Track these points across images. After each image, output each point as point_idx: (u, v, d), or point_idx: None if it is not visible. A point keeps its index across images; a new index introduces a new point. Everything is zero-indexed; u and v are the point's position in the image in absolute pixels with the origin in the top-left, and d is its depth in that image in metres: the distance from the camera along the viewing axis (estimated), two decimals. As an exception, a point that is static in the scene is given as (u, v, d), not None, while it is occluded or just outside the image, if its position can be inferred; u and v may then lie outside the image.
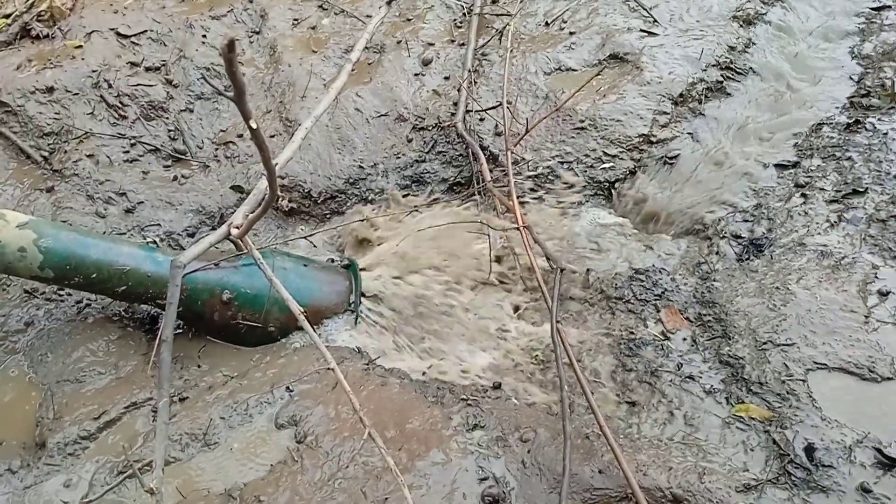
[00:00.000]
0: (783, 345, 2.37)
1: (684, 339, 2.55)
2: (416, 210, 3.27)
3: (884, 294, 2.45)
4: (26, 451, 2.36)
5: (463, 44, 3.74)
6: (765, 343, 2.40)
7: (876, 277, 2.51)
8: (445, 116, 3.45)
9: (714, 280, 2.70)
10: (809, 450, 2.07)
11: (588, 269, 2.90)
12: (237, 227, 2.33)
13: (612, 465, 2.08)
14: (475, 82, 3.55)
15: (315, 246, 3.24)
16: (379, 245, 3.16)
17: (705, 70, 3.47)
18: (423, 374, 2.64)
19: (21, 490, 2.21)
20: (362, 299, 2.81)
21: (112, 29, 3.64)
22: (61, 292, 2.80)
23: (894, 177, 2.84)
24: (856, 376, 2.25)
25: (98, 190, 3.17)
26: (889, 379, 2.22)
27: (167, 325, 2.07)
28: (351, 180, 3.36)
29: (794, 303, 2.48)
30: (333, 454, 2.16)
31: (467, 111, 3.43)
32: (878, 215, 2.71)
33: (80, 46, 3.54)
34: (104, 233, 3.01)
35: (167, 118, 3.45)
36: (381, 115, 3.49)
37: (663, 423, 2.29)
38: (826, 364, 2.29)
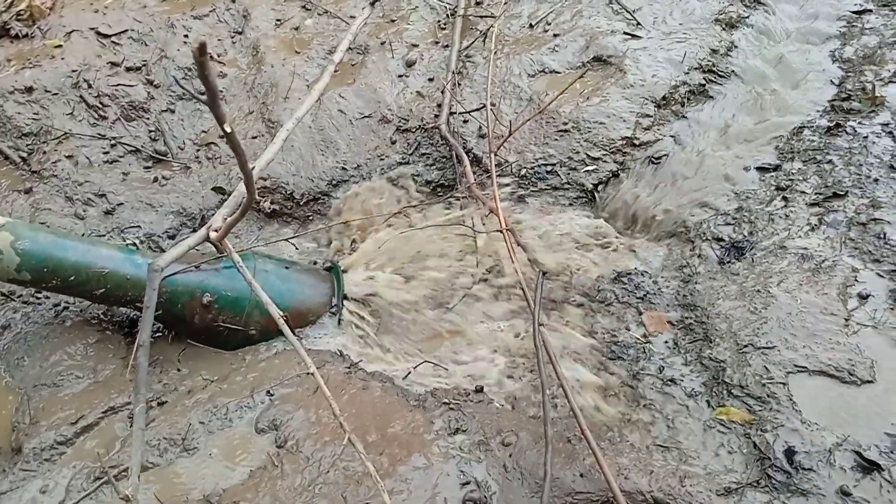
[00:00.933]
0: (764, 348, 2.38)
1: (666, 343, 2.55)
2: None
3: (864, 297, 2.46)
4: (2, 456, 2.32)
5: (447, 45, 3.73)
6: (746, 346, 2.40)
7: (856, 280, 2.52)
8: (429, 118, 3.44)
9: (696, 283, 2.71)
10: (789, 453, 2.08)
11: (571, 272, 2.90)
12: (216, 230, 2.30)
13: (594, 468, 2.08)
14: (459, 84, 3.55)
15: (297, 248, 3.21)
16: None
17: (688, 73, 3.48)
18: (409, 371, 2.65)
19: (-4, 496, 2.19)
20: (345, 301, 2.80)
21: (92, 28, 3.60)
22: (39, 295, 2.76)
23: (874, 180, 2.86)
24: (836, 379, 2.26)
25: (77, 191, 3.13)
26: (869, 382, 2.23)
27: (144, 330, 2.04)
28: (334, 182, 3.34)
29: (775, 306, 2.49)
30: (314, 459, 2.15)
31: (451, 113, 3.42)
32: (859, 218, 2.72)
33: (60, 46, 3.50)
34: (83, 235, 2.97)
35: (148, 119, 3.41)
36: (365, 117, 3.48)
37: (644, 427, 2.29)
38: (806, 367, 2.30)
